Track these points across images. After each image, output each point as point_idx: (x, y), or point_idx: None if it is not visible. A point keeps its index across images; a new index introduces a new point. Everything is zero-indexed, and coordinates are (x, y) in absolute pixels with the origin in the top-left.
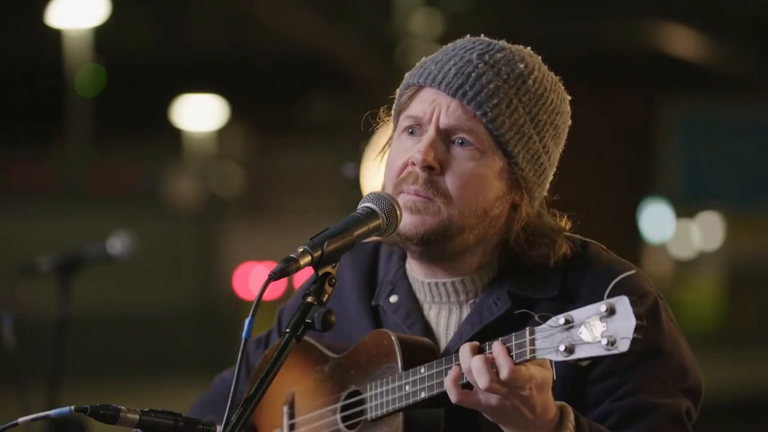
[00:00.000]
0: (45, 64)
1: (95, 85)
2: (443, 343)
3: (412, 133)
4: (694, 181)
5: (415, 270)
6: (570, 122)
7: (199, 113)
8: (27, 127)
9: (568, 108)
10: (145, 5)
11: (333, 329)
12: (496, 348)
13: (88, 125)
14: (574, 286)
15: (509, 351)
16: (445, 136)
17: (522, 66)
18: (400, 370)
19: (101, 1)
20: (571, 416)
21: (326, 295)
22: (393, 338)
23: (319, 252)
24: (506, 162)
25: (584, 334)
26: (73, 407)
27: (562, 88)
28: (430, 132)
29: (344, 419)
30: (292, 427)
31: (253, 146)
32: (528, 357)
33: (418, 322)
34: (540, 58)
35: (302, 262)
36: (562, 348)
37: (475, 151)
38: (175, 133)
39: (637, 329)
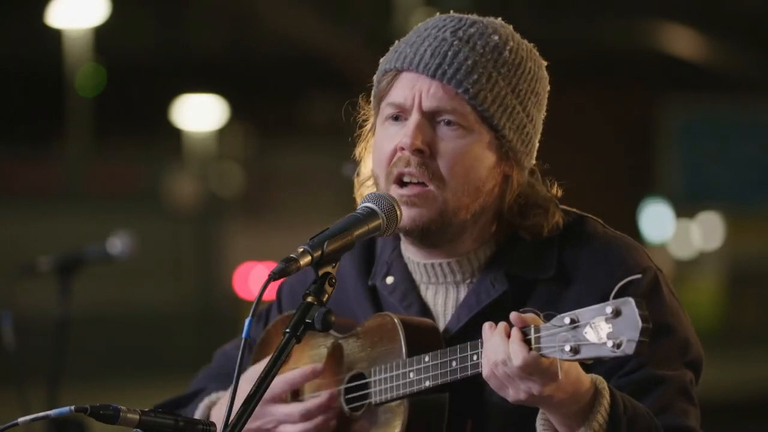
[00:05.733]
0: (45, 64)
1: (95, 85)
2: (441, 324)
3: (396, 119)
4: (694, 181)
5: (410, 251)
6: (549, 87)
7: (199, 113)
8: (27, 127)
9: (545, 73)
10: (145, 5)
11: (335, 307)
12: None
13: (88, 125)
14: (572, 265)
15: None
16: (430, 118)
17: (496, 38)
18: (404, 356)
19: (101, 1)
20: (606, 392)
21: (326, 295)
22: (396, 321)
23: (319, 252)
24: (493, 135)
25: (589, 334)
26: (73, 407)
27: (537, 54)
28: (415, 116)
29: (348, 401)
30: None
31: (253, 146)
32: None
33: (414, 303)
34: (511, 27)
35: (302, 262)
36: (567, 348)
37: (462, 130)
38: (175, 133)
39: (642, 332)
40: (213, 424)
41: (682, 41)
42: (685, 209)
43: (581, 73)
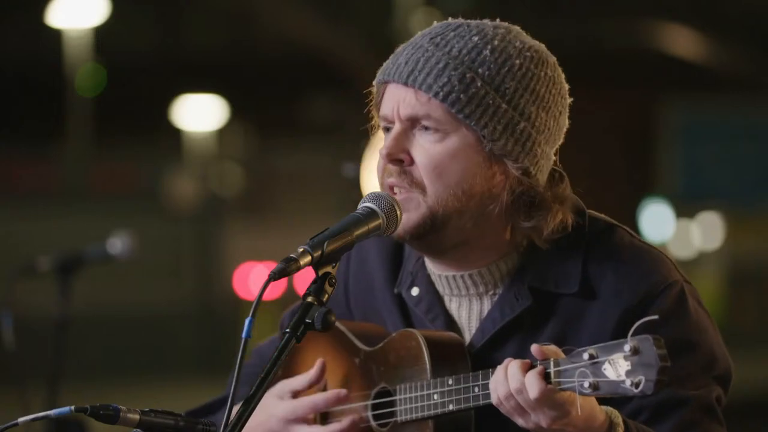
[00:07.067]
0: (45, 64)
1: (95, 85)
2: (467, 336)
3: (388, 130)
4: (694, 181)
5: (429, 263)
6: (565, 86)
7: (199, 113)
8: (27, 127)
9: (550, 71)
10: (145, 5)
11: (364, 310)
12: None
13: (88, 125)
14: (597, 279)
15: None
16: (411, 126)
17: (476, 39)
18: (428, 376)
19: (101, 1)
20: (621, 428)
21: (326, 295)
22: (421, 340)
23: (319, 252)
24: (476, 136)
25: (608, 371)
26: (73, 407)
27: (538, 52)
28: (396, 126)
29: (376, 417)
30: (325, 416)
31: (253, 146)
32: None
33: (440, 315)
34: (516, 28)
35: (302, 262)
36: (586, 384)
37: (438, 134)
38: (175, 133)
39: (660, 372)
40: (213, 424)
41: (682, 41)
42: (685, 209)
43: (581, 73)
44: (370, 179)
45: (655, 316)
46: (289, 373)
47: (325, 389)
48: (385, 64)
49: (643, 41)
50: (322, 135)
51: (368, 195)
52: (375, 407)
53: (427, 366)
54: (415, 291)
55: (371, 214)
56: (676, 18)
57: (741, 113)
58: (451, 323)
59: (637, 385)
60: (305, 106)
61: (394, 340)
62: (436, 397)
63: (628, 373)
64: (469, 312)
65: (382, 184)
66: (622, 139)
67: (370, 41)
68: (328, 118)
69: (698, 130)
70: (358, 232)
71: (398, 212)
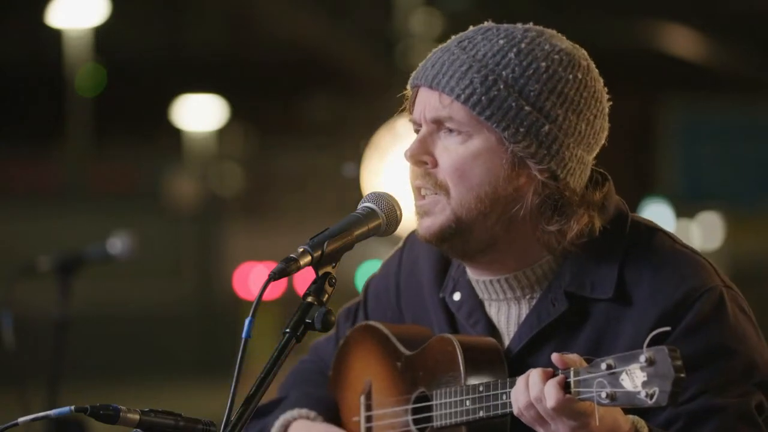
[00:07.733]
0: (45, 64)
1: (95, 85)
2: (506, 341)
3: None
4: (694, 181)
5: (468, 269)
6: (600, 89)
7: (199, 113)
8: (27, 127)
9: (581, 74)
10: (145, 5)
11: (414, 312)
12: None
13: (88, 125)
14: (633, 283)
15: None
16: (437, 129)
17: (502, 42)
18: (462, 382)
19: (101, 1)
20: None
21: (326, 295)
22: (456, 345)
23: (319, 252)
24: (500, 138)
25: (625, 381)
26: (73, 407)
27: (569, 55)
28: (423, 128)
29: (415, 422)
30: (368, 418)
31: (253, 146)
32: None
33: (481, 320)
34: (550, 31)
35: (302, 262)
36: (604, 394)
37: (461, 136)
38: (175, 133)
39: (675, 383)
40: (213, 424)
41: (682, 41)
42: (685, 209)
43: None
44: (370, 179)
45: (667, 328)
46: (337, 374)
47: (369, 393)
48: (417, 68)
49: (643, 41)
50: (322, 135)
51: (368, 195)
52: (414, 412)
53: (461, 371)
54: (457, 296)
55: (371, 214)
56: (676, 18)
57: (741, 113)
58: (491, 328)
59: (651, 396)
60: (305, 106)
61: (432, 344)
62: (468, 403)
63: (644, 384)
64: (508, 316)
65: (411, 186)
66: (622, 139)
67: (370, 41)
68: (328, 118)
69: (698, 130)
70: (358, 232)
71: (398, 212)
